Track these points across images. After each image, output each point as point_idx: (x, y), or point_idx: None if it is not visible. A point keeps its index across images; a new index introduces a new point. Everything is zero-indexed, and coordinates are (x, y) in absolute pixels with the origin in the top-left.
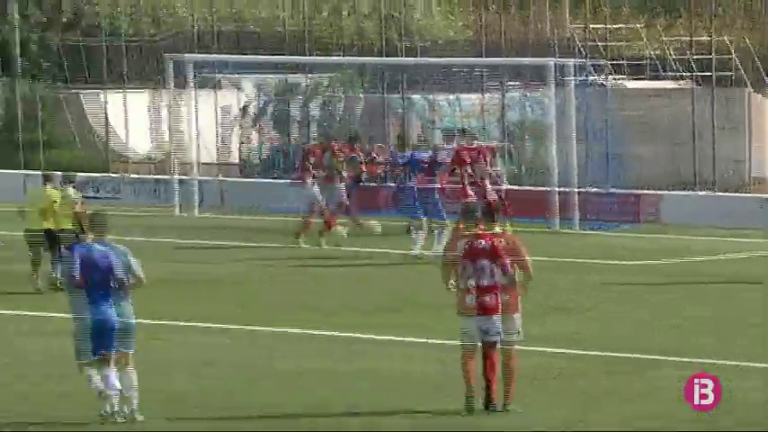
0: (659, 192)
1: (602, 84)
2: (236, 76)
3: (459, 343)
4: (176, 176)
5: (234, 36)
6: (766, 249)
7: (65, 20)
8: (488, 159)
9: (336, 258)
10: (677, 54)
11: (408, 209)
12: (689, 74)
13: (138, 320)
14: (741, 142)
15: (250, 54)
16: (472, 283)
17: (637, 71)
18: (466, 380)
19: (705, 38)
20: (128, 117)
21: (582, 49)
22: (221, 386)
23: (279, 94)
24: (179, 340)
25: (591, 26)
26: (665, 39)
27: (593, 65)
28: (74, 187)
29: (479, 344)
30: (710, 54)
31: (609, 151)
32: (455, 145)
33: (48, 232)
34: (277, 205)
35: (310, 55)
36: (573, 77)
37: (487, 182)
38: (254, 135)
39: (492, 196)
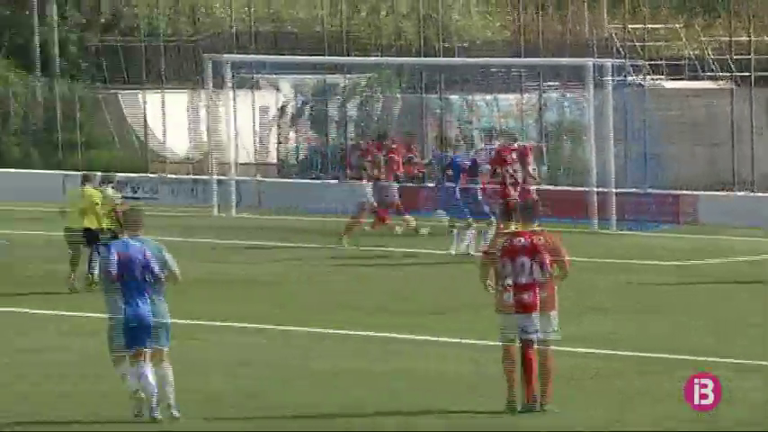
0: (697, 192)
1: (640, 84)
2: (274, 76)
3: (493, 343)
4: (214, 177)
5: (272, 36)
6: None
7: (103, 20)
8: (529, 159)
9: (376, 258)
10: (716, 54)
11: (455, 209)
12: (728, 74)
13: (175, 320)
14: None
15: (288, 54)
16: (510, 281)
17: (675, 71)
18: (509, 385)
19: (744, 38)
20: (166, 117)
21: (620, 50)
22: (257, 386)
23: (316, 94)
24: (216, 340)
25: (629, 26)
26: (703, 39)
27: (631, 65)
28: (113, 187)
29: (518, 343)
30: (749, 54)
31: (647, 151)
32: (495, 145)
33: (87, 231)
34: (315, 205)
35: (348, 55)
36: (611, 78)
37: (529, 181)
38: (292, 135)
39: (532, 196)
